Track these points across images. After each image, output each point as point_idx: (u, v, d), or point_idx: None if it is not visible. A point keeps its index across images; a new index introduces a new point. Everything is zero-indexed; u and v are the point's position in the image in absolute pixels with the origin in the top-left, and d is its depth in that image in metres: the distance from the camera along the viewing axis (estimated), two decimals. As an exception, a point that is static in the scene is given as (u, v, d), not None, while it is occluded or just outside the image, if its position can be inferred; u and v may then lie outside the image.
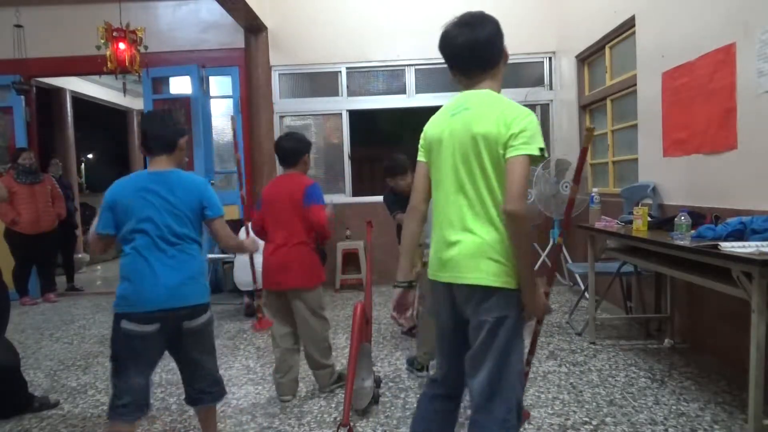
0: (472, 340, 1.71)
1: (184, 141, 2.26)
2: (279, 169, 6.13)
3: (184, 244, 2.13)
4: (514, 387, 1.71)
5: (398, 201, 3.94)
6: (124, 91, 6.46)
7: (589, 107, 5.56)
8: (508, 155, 1.61)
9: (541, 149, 1.62)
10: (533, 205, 5.44)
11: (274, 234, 2.99)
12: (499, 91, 1.77)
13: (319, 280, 3.02)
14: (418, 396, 2.03)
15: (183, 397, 2.32)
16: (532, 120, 1.65)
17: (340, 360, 3.61)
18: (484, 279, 1.64)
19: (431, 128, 1.84)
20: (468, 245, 1.66)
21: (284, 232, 2.94)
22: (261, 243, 3.01)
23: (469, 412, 1.79)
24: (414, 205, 1.88)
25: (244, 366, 3.62)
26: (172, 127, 2.22)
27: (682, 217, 2.72)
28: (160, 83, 6.32)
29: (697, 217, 3.04)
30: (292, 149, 3.05)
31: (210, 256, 5.51)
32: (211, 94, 6.42)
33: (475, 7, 1.78)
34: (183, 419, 2.83)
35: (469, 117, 1.69)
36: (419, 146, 1.89)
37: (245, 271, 4.79)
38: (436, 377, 1.93)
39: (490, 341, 1.66)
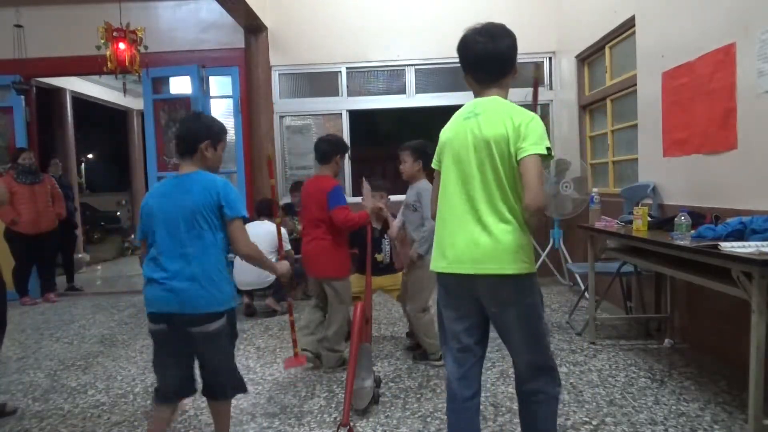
0: (507, 324, 1.87)
1: (206, 145, 2.20)
2: (279, 169, 6.18)
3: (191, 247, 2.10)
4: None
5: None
6: (124, 91, 6.47)
7: (589, 107, 5.56)
8: (520, 156, 1.75)
9: (548, 148, 1.76)
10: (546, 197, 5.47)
11: (306, 230, 3.56)
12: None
13: (342, 272, 3.44)
14: (452, 411, 1.98)
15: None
16: (537, 122, 1.79)
17: (340, 360, 3.62)
18: (506, 269, 1.78)
19: (444, 133, 1.97)
20: (492, 242, 1.79)
21: (312, 228, 3.45)
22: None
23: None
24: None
25: (245, 366, 3.61)
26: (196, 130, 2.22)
27: (682, 217, 2.72)
28: (160, 83, 6.32)
29: (697, 217, 3.04)
30: (324, 151, 3.52)
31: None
32: (211, 94, 6.41)
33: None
34: (183, 419, 2.83)
35: (480, 122, 1.84)
36: (435, 154, 2.01)
37: (245, 270, 4.78)
38: (459, 389, 1.96)
39: (523, 321, 1.86)
